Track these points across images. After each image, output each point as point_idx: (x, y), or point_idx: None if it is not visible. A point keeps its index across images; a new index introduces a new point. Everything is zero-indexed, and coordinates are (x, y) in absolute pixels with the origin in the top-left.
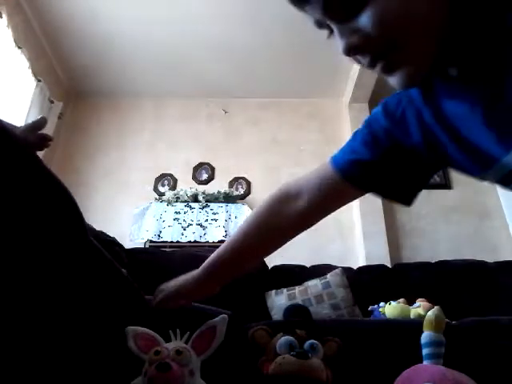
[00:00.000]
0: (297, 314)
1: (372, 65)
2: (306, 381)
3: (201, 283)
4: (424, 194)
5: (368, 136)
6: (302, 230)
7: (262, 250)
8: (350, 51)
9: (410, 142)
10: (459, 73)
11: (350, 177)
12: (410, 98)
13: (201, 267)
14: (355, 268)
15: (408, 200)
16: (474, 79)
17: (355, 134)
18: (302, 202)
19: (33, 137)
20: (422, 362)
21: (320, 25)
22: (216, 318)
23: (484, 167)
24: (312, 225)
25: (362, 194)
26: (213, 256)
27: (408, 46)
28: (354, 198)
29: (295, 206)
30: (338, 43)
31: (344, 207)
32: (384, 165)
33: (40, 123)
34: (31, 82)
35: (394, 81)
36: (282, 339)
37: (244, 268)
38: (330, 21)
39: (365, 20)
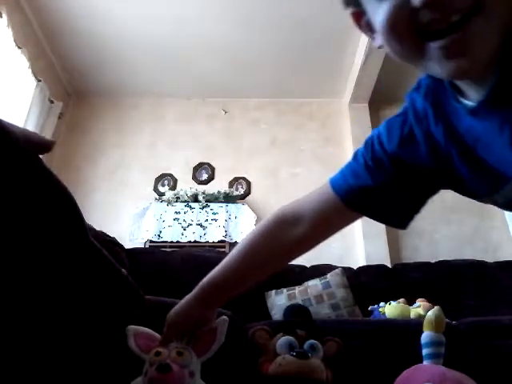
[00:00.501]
0: (297, 314)
1: (441, 35)
2: (306, 381)
3: (193, 309)
4: None
5: (370, 160)
6: (300, 255)
7: (256, 277)
8: (428, 5)
9: (418, 161)
10: (492, 92)
11: (351, 202)
12: (418, 116)
13: (192, 293)
14: (355, 268)
15: (404, 224)
16: (508, 99)
17: (356, 156)
18: (302, 228)
19: (35, 138)
20: (422, 362)
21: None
22: (217, 319)
23: (494, 188)
24: (310, 249)
25: (361, 217)
26: (204, 281)
27: (493, 9)
28: (354, 221)
29: (294, 232)
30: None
31: None
32: (385, 190)
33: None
34: (31, 82)
35: (447, 66)
36: (282, 339)
37: (237, 292)
38: None
39: None
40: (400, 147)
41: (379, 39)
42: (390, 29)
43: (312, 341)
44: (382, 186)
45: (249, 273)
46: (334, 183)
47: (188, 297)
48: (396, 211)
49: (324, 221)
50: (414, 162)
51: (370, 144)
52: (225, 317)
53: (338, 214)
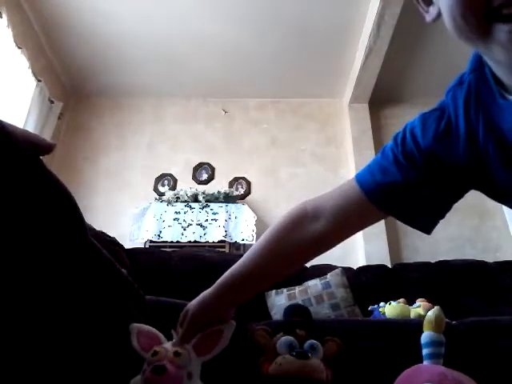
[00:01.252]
0: (297, 313)
1: None
2: (306, 381)
3: (212, 307)
4: None
5: (401, 155)
6: (319, 253)
7: (273, 275)
8: None
9: (452, 158)
10: None
11: (377, 199)
12: (458, 111)
13: (211, 290)
14: (355, 268)
15: (429, 228)
16: None
17: (384, 151)
18: (322, 223)
19: (35, 140)
20: (422, 362)
21: None
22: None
23: None
24: (329, 247)
25: (385, 217)
26: (222, 280)
27: None
28: (377, 221)
29: (313, 227)
30: None
31: None
32: (414, 188)
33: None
34: (31, 81)
35: None
36: (282, 339)
37: (256, 290)
38: None
39: None
40: (435, 142)
41: (434, 12)
42: (459, 3)
43: (312, 341)
44: (411, 182)
45: (266, 271)
46: (360, 179)
47: (206, 294)
48: (422, 212)
49: (346, 217)
50: (448, 158)
51: (400, 138)
52: (233, 321)
53: (362, 212)
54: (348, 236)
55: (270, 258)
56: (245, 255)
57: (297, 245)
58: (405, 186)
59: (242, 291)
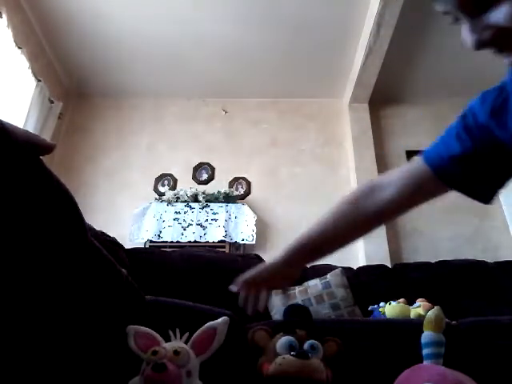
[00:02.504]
0: (297, 313)
1: (498, 53)
2: (306, 381)
3: (280, 267)
4: None
5: (461, 129)
6: (385, 221)
7: (343, 238)
8: (481, 46)
9: (505, 134)
10: None
11: (440, 172)
12: None
13: (281, 253)
14: (355, 268)
15: (488, 198)
16: None
17: (448, 128)
18: (388, 192)
19: (36, 140)
20: (422, 362)
21: (446, 13)
22: (218, 319)
23: None
24: (393, 217)
25: (446, 192)
26: (294, 242)
27: None
28: (439, 195)
29: (380, 195)
30: (465, 35)
31: None
32: (472, 159)
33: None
34: (31, 82)
35: None
36: (282, 339)
37: (323, 255)
38: (463, 15)
39: (499, 15)
40: (490, 117)
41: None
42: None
43: (312, 341)
44: (469, 154)
45: (338, 232)
46: (426, 154)
47: (275, 257)
48: (481, 183)
49: (411, 188)
50: (502, 134)
51: (462, 115)
52: (225, 317)
53: (426, 183)
54: (411, 206)
55: (342, 219)
56: (315, 221)
57: (370, 207)
58: (464, 157)
59: (307, 253)
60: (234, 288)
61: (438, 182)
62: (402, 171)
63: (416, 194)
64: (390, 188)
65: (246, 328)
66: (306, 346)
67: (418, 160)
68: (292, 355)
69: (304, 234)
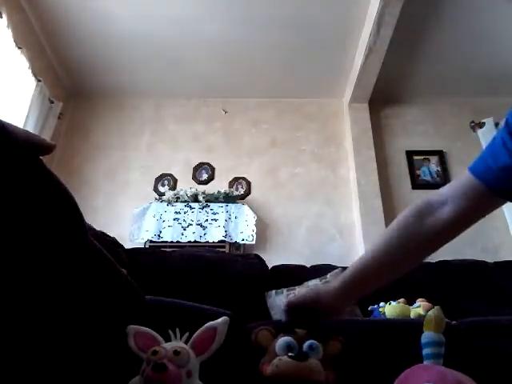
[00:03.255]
0: (302, 312)
1: None
2: (303, 383)
3: (339, 296)
4: (424, 194)
5: (507, 137)
6: (446, 241)
7: (404, 264)
8: None
9: None
10: None
11: (491, 183)
12: None
13: (339, 280)
14: None
15: None
16: None
17: (493, 139)
18: (447, 211)
19: (36, 140)
20: (422, 362)
21: None
22: (218, 319)
23: None
24: (454, 236)
25: (502, 204)
26: (352, 270)
27: None
28: (494, 209)
29: (439, 215)
30: None
31: (344, 207)
32: None
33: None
34: (31, 82)
35: None
36: (280, 340)
37: (382, 283)
38: None
39: None
40: None
41: None
42: None
43: (311, 341)
44: None
45: (398, 257)
46: (474, 168)
47: (334, 285)
48: None
49: (467, 207)
50: None
51: (505, 123)
52: (225, 317)
53: (479, 198)
54: (470, 225)
55: (400, 243)
56: (376, 243)
57: (428, 229)
58: None
59: (371, 281)
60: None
61: (491, 195)
62: (453, 189)
63: (472, 210)
64: (447, 207)
65: (248, 328)
66: (304, 346)
67: (467, 175)
68: (289, 356)
69: (363, 259)
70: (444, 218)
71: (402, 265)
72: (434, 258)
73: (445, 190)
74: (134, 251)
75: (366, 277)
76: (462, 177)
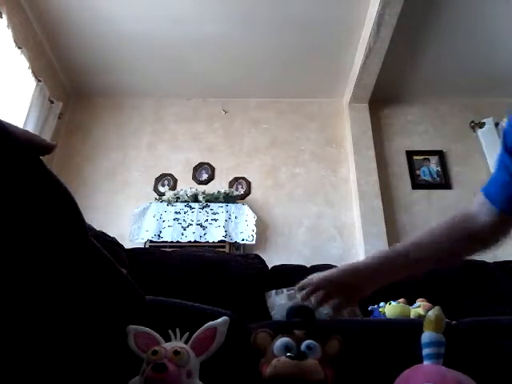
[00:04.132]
0: (299, 314)
1: None
2: (301, 382)
3: (379, 272)
4: (424, 194)
5: (505, 156)
6: (481, 250)
7: (436, 258)
8: None
9: None
10: None
11: (501, 206)
12: None
13: (381, 256)
14: None
15: None
16: None
17: (497, 158)
18: (480, 223)
19: (36, 140)
20: (422, 362)
21: None
22: (218, 319)
23: None
24: (488, 247)
25: None
26: (397, 249)
27: None
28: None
29: (473, 225)
30: None
31: (344, 207)
32: None
33: (48, 144)
34: (31, 82)
35: None
36: (278, 341)
37: (414, 271)
38: None
39: None
40: None
41: None
42: None
43: (309, 341)
44: None
45: (431, 250)
46: (486, 191)
47: (360, 263)
48: None
49: (491, 225)
50: None
51: (502, 144)
52: (225, 317)
53: (495, 219)
54: (503, 237)
55: (440, 239)
56: (411, 238)
57: (473, 228)
58: None
59: (398, 269)
60: (300, 289)
61: (505, 217)
62: (479, 206)
63: (498, 228)
64: (480, 220)
65: (249, 329)
66: (302, 346)
67: (482, 198)
68: (287, 357)
69: (400, 246)
70: (476, 228)
71: (444, 254)
72: None
73: (475, 203)
74: (134, 251)
75: (410, 258)
76: (478, 198)
